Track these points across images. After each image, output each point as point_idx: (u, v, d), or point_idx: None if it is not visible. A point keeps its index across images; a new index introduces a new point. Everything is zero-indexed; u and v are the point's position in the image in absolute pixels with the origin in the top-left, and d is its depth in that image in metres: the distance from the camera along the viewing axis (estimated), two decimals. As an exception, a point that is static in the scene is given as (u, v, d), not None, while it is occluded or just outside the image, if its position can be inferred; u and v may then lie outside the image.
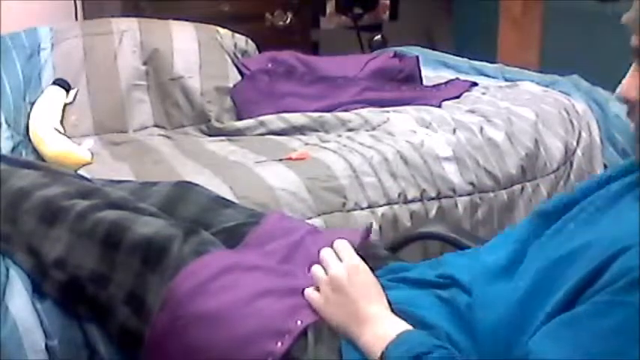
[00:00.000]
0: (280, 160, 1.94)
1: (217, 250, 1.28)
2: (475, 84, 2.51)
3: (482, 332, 1.06)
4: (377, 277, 1.18)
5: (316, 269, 1.19)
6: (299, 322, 1.15)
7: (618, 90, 1.08)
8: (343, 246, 1.21)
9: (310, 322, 1.15)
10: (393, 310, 1.14)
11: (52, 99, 2.23)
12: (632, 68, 1.06)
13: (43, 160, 2.03)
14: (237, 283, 1.19)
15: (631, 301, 0.91)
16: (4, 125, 2.11)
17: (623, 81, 1.06)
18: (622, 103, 1.08)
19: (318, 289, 1.18)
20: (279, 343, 1.12)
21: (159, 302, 1.19)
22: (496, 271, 1.12)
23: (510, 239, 1.18)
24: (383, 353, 1.07)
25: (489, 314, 1.06)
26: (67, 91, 2.28)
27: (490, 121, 2.15)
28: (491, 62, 2.80)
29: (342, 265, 1.17)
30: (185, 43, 2.41)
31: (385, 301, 1.15)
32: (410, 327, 1.10)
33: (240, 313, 1.16)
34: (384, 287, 1.17)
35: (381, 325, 1.11)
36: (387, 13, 3.73)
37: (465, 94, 2.43)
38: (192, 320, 1.16)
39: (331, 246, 1.22)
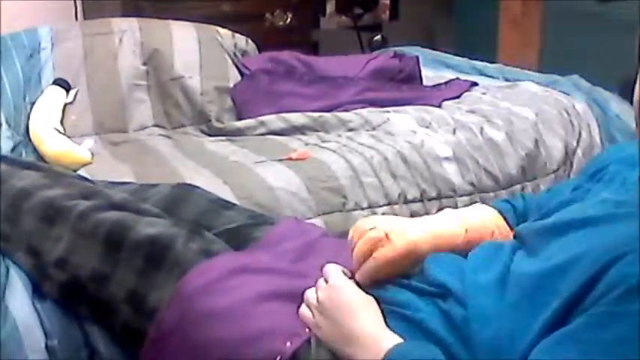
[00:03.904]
0: (280, 160, 1.94)
1: (227, 252, 1.28)
2: (475, 84, 2.51)
3: (479, 347, 1.04)
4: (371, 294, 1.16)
5: (309, 293, 1.18)
6: None
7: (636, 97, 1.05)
8: (329, 268, 1.18)
9: None
10: (393, 312, 1.13)
11: (52, 99, 2.23)
12: None
13: (43, 159, 2.03)
14: (247, 284, 1.20)
15: (631, 310, 0.89)
16: (4, 125, 2.11)
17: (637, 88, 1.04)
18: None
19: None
20: (289, 343, 1.12)
21: (165, 299, 1.20)
22: (489, 284, 1.10)
23: (493, 257, 1.15)
24: None
25: (485, 328, 1.04)
26: (67, 91, 2.28)
27: (490, 121, 2.15)
28: (491, 62, 2.81)
29: (324, 289, 1.15)
30: (185, 43, 2.41)
31: (374, 313, 1.11)
32: (399, 339, 1.07)
33: (249, 313, 1.16)
34: (378, 301, 1.14)
35: (370, 343, 1.08)
36: (387, 13, 3.74)
37: (465, 94, 2.43)
38: (200, 318, 1.16)
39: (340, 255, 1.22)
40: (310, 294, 1.17)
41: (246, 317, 1.15)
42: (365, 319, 1.11)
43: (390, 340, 1.07)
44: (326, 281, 1.17)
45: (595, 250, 0.96)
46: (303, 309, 1.17)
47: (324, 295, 1.14)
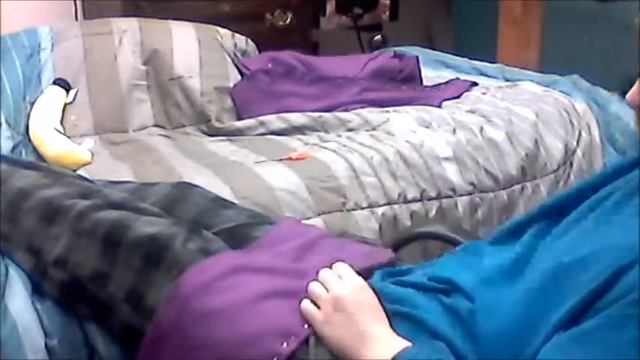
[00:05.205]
0: (280, 160, 1.94)
1: (225, 251, 1.28)
2: (475, 84, 2.51)
3: (485, 339, 1.04)
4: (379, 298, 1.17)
5: (316, 286, 1.17)
6: (306, 325, 1.15)
7: (628, 95, 1.07)
8: (343, 266, 1.19)
9: None
10: (395, 311, 1.14)
11: (52, 99, 2.23)
12: None
13: (43, 159, 2.03)
14: (244, 283, 1.19)
15: None
16: (4, 125, 2.11)
17: (633, 87, 1.05)
18: (632, 108, 1.07)
19: (315, 303, 1.17)
20: (285, 344, 1.12)
21: (163, 298, 1.19)
22: (498, 275, 1.10)
23: (514, 241, 1.16)
24: None
25: (493, 320, 1.04)
26: (67, 91, 2.28)
27: (490, 121, 2.15)
28: (491, 62, 2.81)
29: (346, 284, 1.15)
30: (185, 43, 2.41)
31: (387, 322, 1.13)
32: (408, 343, 1.08)
33: (247, 312, 1.15)
34: (385, 308, 1.15)
35: (383, 344, 1.09)
36: (387, 13, 3.74)
37: (465, 94, 2.43)
38: (198, 317, 1.16)
39: (333, 263, 1.21)
40: (320, 289, 1.16)
41: (244, 317, 1.15)
42: (382, 323, 1.12)
43: (402, 342, 1.08)
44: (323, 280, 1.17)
45: (612, 250, 0.96)
46: (308, 304, 1.16)
47: (346, 291, 1.14)
